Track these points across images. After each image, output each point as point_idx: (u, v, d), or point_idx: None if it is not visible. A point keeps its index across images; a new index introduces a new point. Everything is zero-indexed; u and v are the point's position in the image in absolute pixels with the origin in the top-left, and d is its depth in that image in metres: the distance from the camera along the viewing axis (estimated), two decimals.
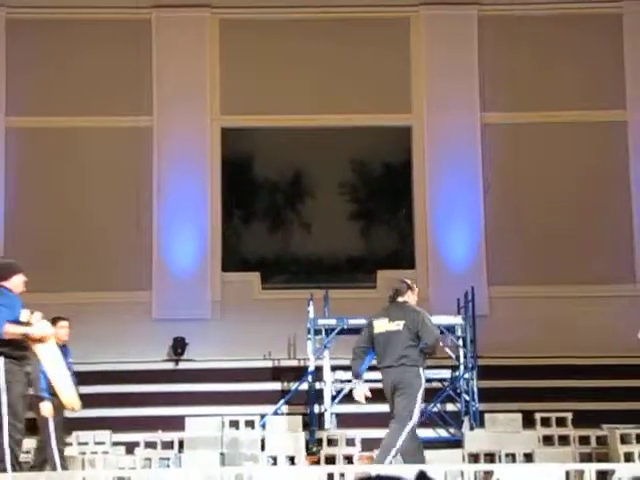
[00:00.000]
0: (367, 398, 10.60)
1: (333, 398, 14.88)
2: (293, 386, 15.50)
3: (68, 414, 11.62)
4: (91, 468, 13.18)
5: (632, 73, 17.37)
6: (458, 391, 14.98)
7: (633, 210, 17.18)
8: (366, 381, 14.78)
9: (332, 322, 15.00)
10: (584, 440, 13.93)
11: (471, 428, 14.23)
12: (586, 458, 13.33)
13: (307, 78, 17.52)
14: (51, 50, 17.30)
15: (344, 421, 14.76)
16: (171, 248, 17.11)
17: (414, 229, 17.54)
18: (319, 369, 14.98)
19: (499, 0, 16.96)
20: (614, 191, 17.24)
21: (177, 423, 14.03)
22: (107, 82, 17.24)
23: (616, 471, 10.79)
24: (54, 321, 12.23)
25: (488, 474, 10.84)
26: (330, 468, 11.86)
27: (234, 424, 13.91)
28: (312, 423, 14.52)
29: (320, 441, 13.82)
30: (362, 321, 15.01)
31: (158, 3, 17.02)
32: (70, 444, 13.20)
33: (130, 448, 13.87)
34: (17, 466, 9.15)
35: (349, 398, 14.92)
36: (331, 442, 13.69)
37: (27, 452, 12.14)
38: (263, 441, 13.69)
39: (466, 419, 14.58)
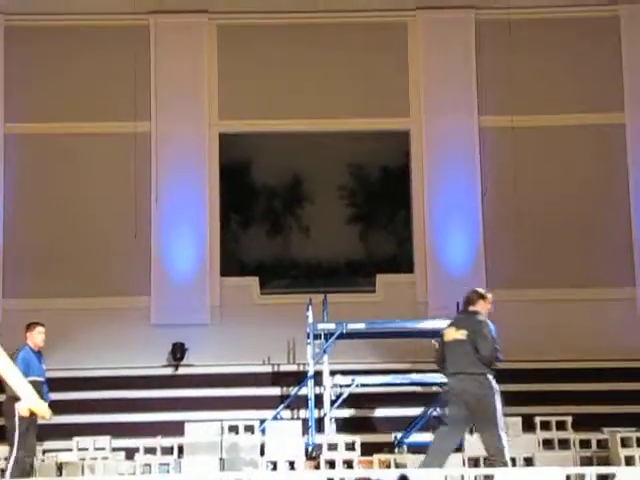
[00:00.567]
0: None
1: (332, 403, 14.84)
2: (292, 391, 15.48)
3: (40, 421, 11.49)
4: (91, 474, 13.16)
5: (630, 76, 17.36)
6: None
7: (632, 213, 17.15)
8: (363, 385, 14.86)
9: (331, 326, 14.96)
10: (584, 444, 13.88)
11: (471, 432, 14.16)
12: (586, 462, 13.28)
13: (304, 83, 17.51)
14: (49, 56, 17.29)
15: (344, 426, 14.72)
16: (170, 253, 17.09)
17: (413, 233, 17.53)
18: (318, 374, 14.93)
19: (496, 4, 16.94)
20: (613, 194, 17.21)
21: (176, 428, 13.99)
22: (105, 88, 17.23)
23: (617, 474, 10.74)
24: (30, 326, 12.14)
25: (488, 478, 10.80)
26: (330, 473, 11.82)
27: (233, 429, 13.87)
28: (312, 428, 14.48)
29: (320, 446, 13.77)
30: (361, 325, 15.07)
31: (156, 9, 17.01)
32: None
33: (130, 454, 13.83)
34: None
35: (348, 402, 14.95)
36: (331, 447, 13.64)
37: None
38: (263, 446, 13.66)
39: None
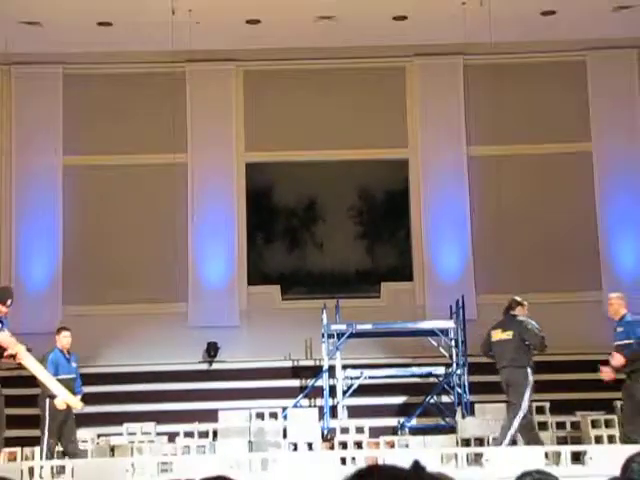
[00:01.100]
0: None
1: (344, 392, 14.88)
2: (310, 382, 15.49)
3: (76, 412, 11.57)
4: (139, 454, 13.20)
5: (595, 111, 17.35)
6: (451, 385, 14.94)
7: (598, 228, 17.15)
8: (370, 377, 14.92)
9: (342, 327, 15.00)
10: (560, 425, 13.91)
11: (463, 417, 14.20)
12: (562, 441, 13.30)
13: (318, 119, 17.54)
14: (101, 98, 17.36)
15: (354, 412, 14.74)
16: (204, 266, 17.12)
17: (412, 246, 17.53)
18: (332, 368, 14.98)
19: (481, 50, 16.95)
20: (582, 212, 17.20)
21: (211, 416, 14.04)
22: (148, 125, 17.29)
23: (588, 452, 10.78)
24: (58, 331, 12.22)
25: (478, 456, 10.84)
26: (343, 453, 11.86)
27: (260, 416, 13.91)
28: (327, 414, 14.50)
29: (334, 429, 13.80)
30: (369, 326, 15.11)
31: (191, 58, 17.08)
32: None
33: (172, 437, 13.89)
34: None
35: (358, 392, 14.97)
36: (343, 430, 13.68)
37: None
38: (285, 430, 13.69)
39: (459, 409, 14.55)
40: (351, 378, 14.96)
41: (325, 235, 17.96)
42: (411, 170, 17.61)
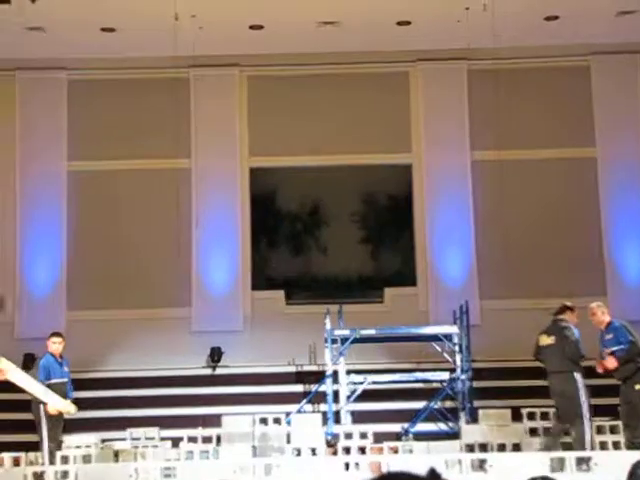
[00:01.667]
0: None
1: (348, 398, 14.86)
2: (314, 388, 15.48)
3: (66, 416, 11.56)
4: (142, 459, 13.17)
5: (600, 116, 17.33)
6: (455, 390, 14.93)
7: (602, 233, 17.12)
8: (374, 382, 14.89)
9: (346, 332, 14.99)
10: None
11: (467, 422, 14.17)
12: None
13: (322, 124, 17.55)
14: (105, 104, 17.39)
15: (358, 417, 14.72)
16: (208, 271, 17.12)
17: (415, 251, 17.51)
18: (336, 373, 14.96)
19: (484, 55, 16.94)
20: (586, 217, 17.18)
21: (215, 421, 14.01)
22: (152, 130, 17.30)
23: (592, 458, 10.75)
24: (49, 337, 12.19)
25: (482, 462, 10.81)
26: (346, 458, 11.84)
27: (263, 421, 13.86)
28: (330, 419, 14.48)
29: (337, 435, 13.77)
30: (372, 331, 15.08)
31: (194, 63, 17.08)
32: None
33: (175, 442, 13.85)
34: None
35: (362, 397, 14.95)
36: (347, 436, 13.64)
37: None
38: (289, 435, 13.64)
39: (462, 414, 14.53)
40: (355, 383, 14.96)
41: (329, 240, 17.94)
42: (415, 175, 17.60)
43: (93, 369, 16.05)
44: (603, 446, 12.88)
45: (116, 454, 13.52)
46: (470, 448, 13.17)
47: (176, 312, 16.87)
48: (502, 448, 13.04)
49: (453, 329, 15.07)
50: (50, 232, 17.08)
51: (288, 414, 14.23)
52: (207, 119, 17.38)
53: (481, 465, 10.87)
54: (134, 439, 13.88)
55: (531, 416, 13.78)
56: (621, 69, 17.33)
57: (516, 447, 13.12)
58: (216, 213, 17.22)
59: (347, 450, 13.28)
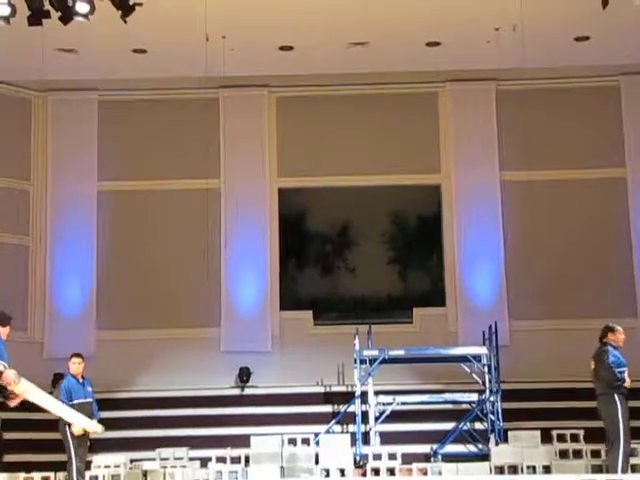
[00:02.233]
0: None
1: (377, 418, 14.83)
2: (342, 408, 15.45)
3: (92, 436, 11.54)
4: None
5: (629, 137, 17.26)
6: (485, 412, 14.85)
7: (634, 253, 17.00)
8: (403, 403, 14.85)
9: (375, 353, 14.98)
10: (595, 454, 13.73)
11: (496, 444, 14.09)
12: (597, 470, 13.14)
13: (351, 144, 17.58)
14: (136, 124, 17.52)
15: (387, 438, 14.67)
16: (237, 291, 17.16)
17: (444, 272, 17.48)
18: (364, 393, 14.94)
19: (513, 76, 16.94)
20: (616, 237, 17.08)
21: (243, 441, 14.01)
22: (182, 150, 17.41)
23: None
24: (69, 357, 12.20)
25: None
26: (375, 479, 11.79)
27: (292, 441, 13.86)
28: (359, 440, 14.45)
29: (366, 456, 13.74)
30: (401, 352, 15.06)
31: (224, 84, 17.18)
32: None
33: (204, 463, 13.87)
34: None
35: (390, 418, 14.90)
36: (376, 457, 13.60)
37: None
38: (317, 456, 13.63)
39: (492, 436, 14.44)
40: (383, 404, 14.92)
41: (357, 260, 17.94)
42: (444, 195, 17.59)
43: (122, 389, 16.09)
44: (634, 469, 12.77)
45: (145, 474, 13.55)
46: (500, 470, 13.11)
47: (205, 332, 16.90)
48: (532, 470, 12.97)
49: (482, 350, 15.03)
50: (80, 252, 17.18)
51: (317, 435, 14.21)
52: (236, 139, 17.46)
53: None
54: (163, 459, 13.90)
55: (561, 438, 13.71)
56: None
57: (546, 469, 13.05)
58: (245, 233, 17.26)
59: (376, 471, 13.26)
